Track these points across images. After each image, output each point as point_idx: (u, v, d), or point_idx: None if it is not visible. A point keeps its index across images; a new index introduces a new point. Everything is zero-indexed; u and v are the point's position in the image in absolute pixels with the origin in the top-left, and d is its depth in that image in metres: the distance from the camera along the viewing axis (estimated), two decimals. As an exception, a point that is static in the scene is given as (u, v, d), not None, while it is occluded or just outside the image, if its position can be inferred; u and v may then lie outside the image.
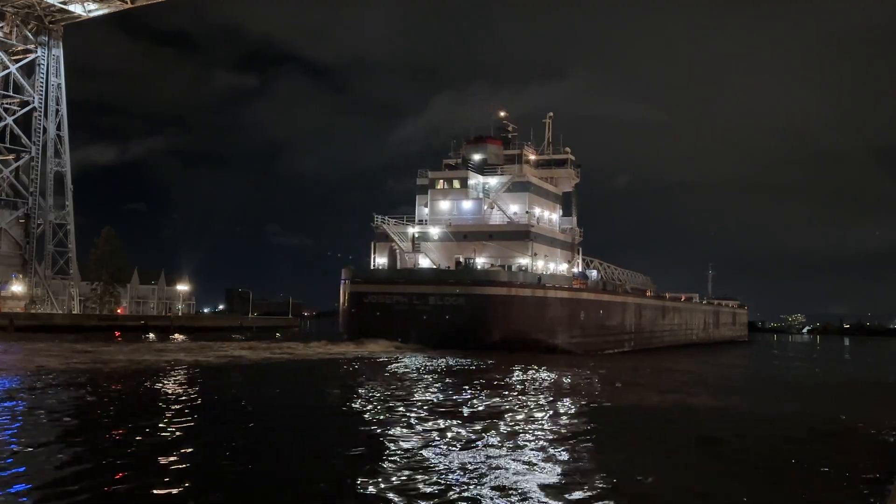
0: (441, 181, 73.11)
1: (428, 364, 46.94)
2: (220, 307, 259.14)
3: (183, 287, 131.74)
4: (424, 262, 69.98)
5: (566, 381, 40.91)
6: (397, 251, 70.20)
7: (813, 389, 45.35)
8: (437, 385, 35.39)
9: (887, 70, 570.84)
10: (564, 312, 68.36)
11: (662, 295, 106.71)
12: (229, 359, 47.31)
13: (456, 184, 72.48)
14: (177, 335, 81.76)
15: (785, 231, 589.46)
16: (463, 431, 21.85)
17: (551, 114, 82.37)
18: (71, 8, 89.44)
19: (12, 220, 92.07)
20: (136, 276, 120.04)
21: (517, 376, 41.71)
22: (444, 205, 72.59)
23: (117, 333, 79.55)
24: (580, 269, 79.20)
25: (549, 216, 78.16)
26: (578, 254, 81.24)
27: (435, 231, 70.47)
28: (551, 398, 31.96)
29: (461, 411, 26.45)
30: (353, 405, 27.37)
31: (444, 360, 50.62)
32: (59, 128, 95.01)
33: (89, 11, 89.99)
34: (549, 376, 42.90)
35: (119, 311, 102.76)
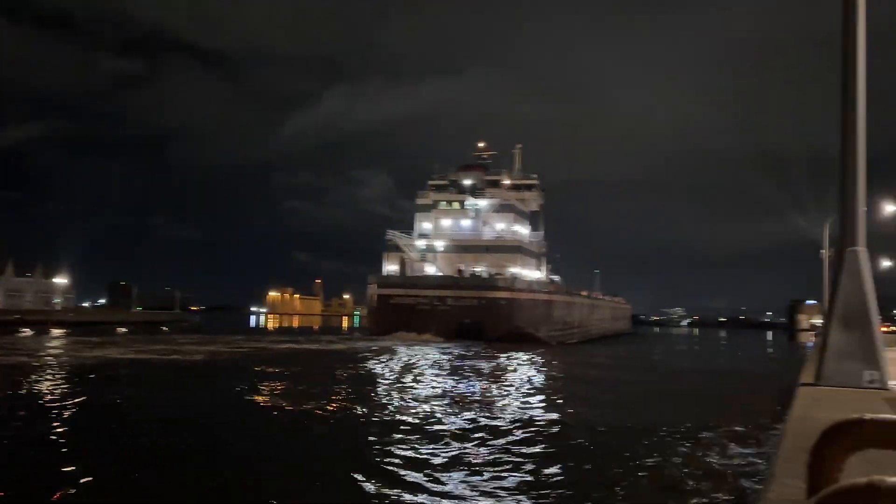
0: (444, 202, 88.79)
1: (462, 351, 62.72)
2: (101, 301, 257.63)
3: (61, 280, 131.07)
4: (430, 270, 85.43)
5: (576, 359, 58.29)
6: (406, 260, 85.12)
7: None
8: (485, 357, 51.57)
9: (765, 79, 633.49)
10: (545, 311, 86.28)
11: (591, 294, 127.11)
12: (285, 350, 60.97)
13: (456, 205, 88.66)
14: (56, 330, 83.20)
15: (668, 228, 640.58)
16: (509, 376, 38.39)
17: (520, 145, 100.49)
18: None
19: None
20: (10, 267, 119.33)
21: (538, 356, 58.87)
22: (446, 222, 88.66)
23: None
24: (548, 276, 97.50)
25: (523, 231, 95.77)
26: (544, 262, 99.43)
27: (439, 244, 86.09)
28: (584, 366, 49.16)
29: (507, 367, 42.98)
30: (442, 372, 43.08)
31: (475, 349, 66.44)
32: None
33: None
34: (559, 356, 60.15)
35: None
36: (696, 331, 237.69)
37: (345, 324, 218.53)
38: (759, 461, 17.52)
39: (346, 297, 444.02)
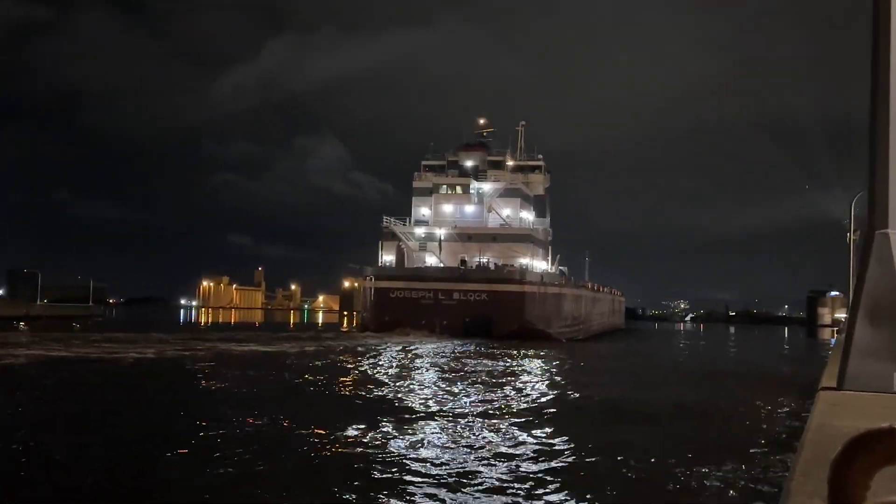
0: (445, 186, 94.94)
1: (480, 349, 69.23)
2: None
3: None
4: (430, 260, 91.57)
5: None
6: (405, 250, 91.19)
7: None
8: (506, 356, 58.27)
9: (777, 35, 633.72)
10: (556, 306, 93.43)
11: (594, 286, 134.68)
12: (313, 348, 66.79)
13: (458, 189, 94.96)
14: None
15: (667, 209, 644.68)
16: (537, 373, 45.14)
17: (524, 122, 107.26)
18: None
19: None
20: None
21: (555, 354, 65.76)
22: (448, 208, 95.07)
23: None
24: (556, 267, 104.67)
25: (528, 217, 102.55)
26: (550, 251, 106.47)
27: (441, 232, 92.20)
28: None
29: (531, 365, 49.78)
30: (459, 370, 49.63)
31: (493, 346, 72.91)
32: None
33: None
34: (576, 354, 67.07)
35: None
36: (702, 327, 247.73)
37: (292, 319, 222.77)
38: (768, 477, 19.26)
39: (293, 287, 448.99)
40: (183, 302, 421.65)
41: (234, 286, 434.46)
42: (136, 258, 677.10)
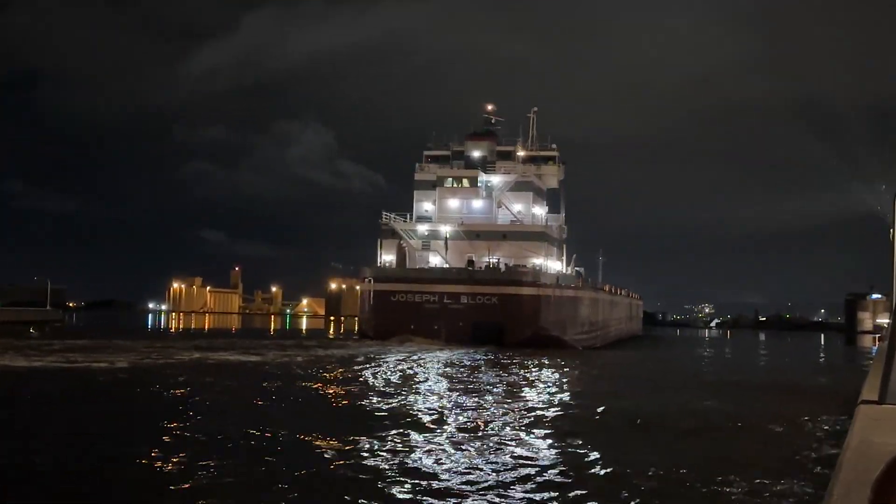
0: (450, 179, 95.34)
1: (498, 358, 69.78)
2: None
3: None
4: (434, 261, 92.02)
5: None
6: (406, 248, 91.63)
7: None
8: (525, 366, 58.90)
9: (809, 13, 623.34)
10: (572, 311, 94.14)
11: (612, 289, 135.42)
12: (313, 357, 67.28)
13: (465, 182, 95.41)
14: None
15: (687, 203, 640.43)
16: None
17: (536, 108, 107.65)
18: None
19: None
20: None
21: (578, 364, 66.31)
22: (454, 203, 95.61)
23: None
24: (572, 267, 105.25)
25: (541, 213, 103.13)
26: (565, 251, 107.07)
27: (446, 229, 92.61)
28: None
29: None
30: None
31: (507, 355, 73.49)
32: None
33: None
34: (599, 365, 67.68)
35: None
36: (729, 333, 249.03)
37: (272, 324, 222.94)
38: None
39: (273, 289, 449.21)
40: (151, 306, 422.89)
41: (208, 288, 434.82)
42: (98, 257, 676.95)
